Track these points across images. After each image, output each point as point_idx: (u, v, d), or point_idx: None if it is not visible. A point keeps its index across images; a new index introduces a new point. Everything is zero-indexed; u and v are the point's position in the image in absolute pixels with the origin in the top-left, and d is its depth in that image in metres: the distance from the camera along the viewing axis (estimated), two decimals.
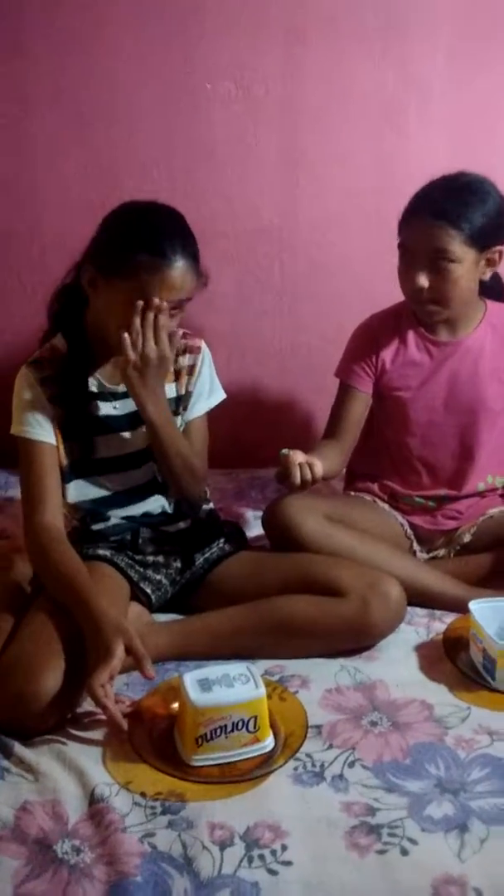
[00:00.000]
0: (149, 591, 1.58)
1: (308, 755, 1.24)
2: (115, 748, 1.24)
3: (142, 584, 1.57)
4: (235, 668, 1.27)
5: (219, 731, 1.20)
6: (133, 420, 1.57)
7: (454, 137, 2.25)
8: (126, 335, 1.43)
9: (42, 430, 1.51)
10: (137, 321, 1.42)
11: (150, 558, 1.62)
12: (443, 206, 1.57)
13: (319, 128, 2.25)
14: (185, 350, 1.62)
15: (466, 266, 1.60)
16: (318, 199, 2.29)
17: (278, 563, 1.60)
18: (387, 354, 1.74)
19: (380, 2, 2.16)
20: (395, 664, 1.47)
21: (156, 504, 1.64)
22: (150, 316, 1.42)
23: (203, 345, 1.65)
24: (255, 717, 1.21)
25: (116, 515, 1.61)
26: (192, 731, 1.20)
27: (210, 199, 2.25)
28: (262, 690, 1.23)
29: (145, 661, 1.31)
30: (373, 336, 1.76)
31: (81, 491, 1.59)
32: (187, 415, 1.63)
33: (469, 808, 1.13)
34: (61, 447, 1.53)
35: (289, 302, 2.37)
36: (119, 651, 1.28)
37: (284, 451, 1.50)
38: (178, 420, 1.61)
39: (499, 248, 1.63)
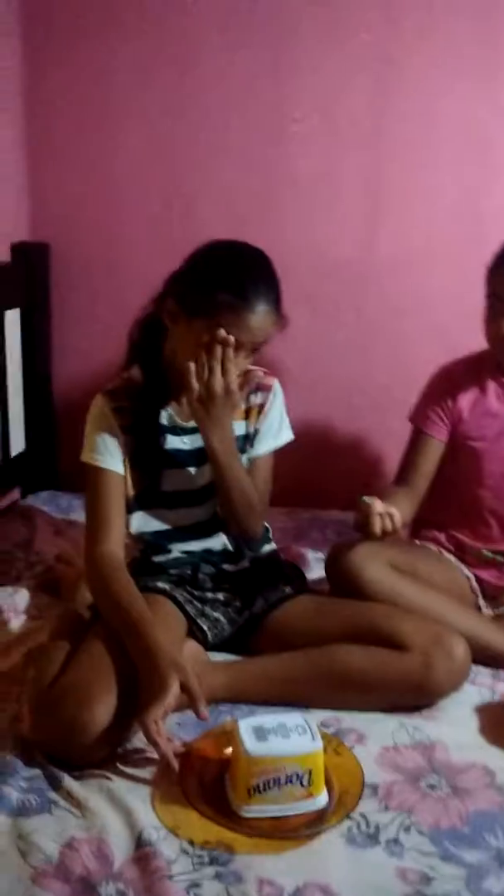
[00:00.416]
0: (206, 627, 1.56)
1: (363, 815, 1.19)
2: (164, 790, 1.22)
3: (199, 621, 1.55)
4: (293, 718, 1.24)
5: (272, 782, 1.17)
6: (200, 456, 1.56)
7: None
8: (191, 364, 1.43)
9: (112, 459, 1.51)
10: (204, 354, 1.42)
11: (209, 595, 1.60)
12: None
13: (405, 160, 2.23)
14: (258, 388, 1.62)
15: None
16: (398, 236, 2.27)
17: (339, 609, 1.56)
18: (465, 403, 1.71)
19: (476, 33, 2.12)
20: (457, 725, 1.41)
21: (217, 541, 1.63)
22: (218, 350, 1.42)
23: (276, 383, 1.65)
24: (310, 771, 1.18)
25: (177, 549, 1.61)
26: (244, 781, 1.17)
27: (290, 231, 2.24)
28: (320, 744, 1.19)
29: (200, 701, 1.28)
30: (452, 383, 1.73)
31: (145, 522, 1.58)
32: (253, 452, 1.62)
33: None
34: (129, 477, 1.54)
35: (362, 340, 2.34)
36: (175, 688, 1.26)
37: (365, 498, 1.48)
38: (244, 458, 1.60)
39: None
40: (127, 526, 1.56)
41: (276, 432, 1.65)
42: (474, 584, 1.72)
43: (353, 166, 2.24)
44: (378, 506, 1.46)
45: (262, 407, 1.62)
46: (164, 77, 2.22)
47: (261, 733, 1.20)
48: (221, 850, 1.11)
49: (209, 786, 1.23)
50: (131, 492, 1.55)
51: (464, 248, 2.15)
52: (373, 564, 1.57)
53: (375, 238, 2.27)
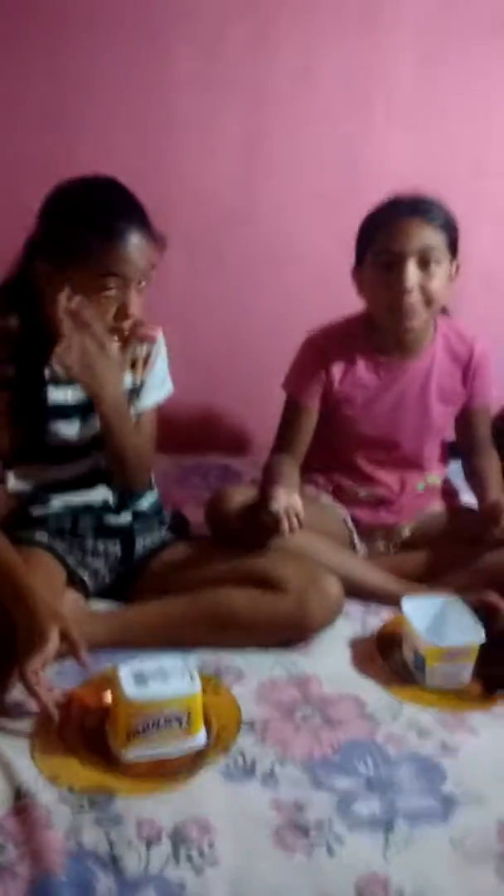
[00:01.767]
0: (86, 577, 1.56)
1: (240, 751, 1.24)
2: (44, 741, 1.22)
3: (79, 571, 1.55)
4: (171, 661, 1.26)
5: (151, 725, 1.19)
6: (84, 409, 1.53)
7: (417, 134, 2.25)
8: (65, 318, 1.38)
9: None
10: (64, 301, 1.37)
11: (90, 544, 1.59)
12: (427, 207, 1.62)
13: (284, 111, 2.21)
14: (142, 339, 1.57)
15: (444, 270, 1.64)
16: (279, 183, 2.25)
17: (218, 553, 1.58)
18: (336, 373, 1.74)
19: None
20: (330, 658, 1.48)
21: (98, 494, 1.61)
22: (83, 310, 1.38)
23: (160, 335, 1.61)
24: (189, 713, 1.21)
25: (57, 502, 1.58)
26: (125, 725, 1.19)
27: (169, 173, 2.18)
28: (198, 686, 1.22)
29: (81, 649, 1.29)
30: (323, 353, 1.75)
31: (24, 476, 1.55)
32: (139, 405, 1.60)
33: (395, 807, 1.14)
34: (4, 433, 1.49)
35: (243, 288, 2.33)
36: (54, 637, 1.26)
37: (273, 508, 1.50)
38: (132, 411, 1.57)
39: (457, 262, 1.67)
40: (3, 480, 1.52)
41: (160, 385, 1.62)
42: (349, 523, 1.78)
43: (233, 112, 2.19)
44: (282, 507, 1.50)
45: (146, 359, 1.59)
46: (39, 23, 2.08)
47: (140, 678, 1.21)
48: (101, 795, 1.13)
49: (90, 733, 1.25)
50: (7, 446, 1.50)
51: (342, 197, 2.17)
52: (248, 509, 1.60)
53: (255, 185, 2.25)
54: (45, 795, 1.12)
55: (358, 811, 1.14)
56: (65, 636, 1.28)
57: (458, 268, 1.68)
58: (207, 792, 1.16)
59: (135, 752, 1.19)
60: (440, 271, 1.62)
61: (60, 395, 1.52)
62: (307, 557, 1.57)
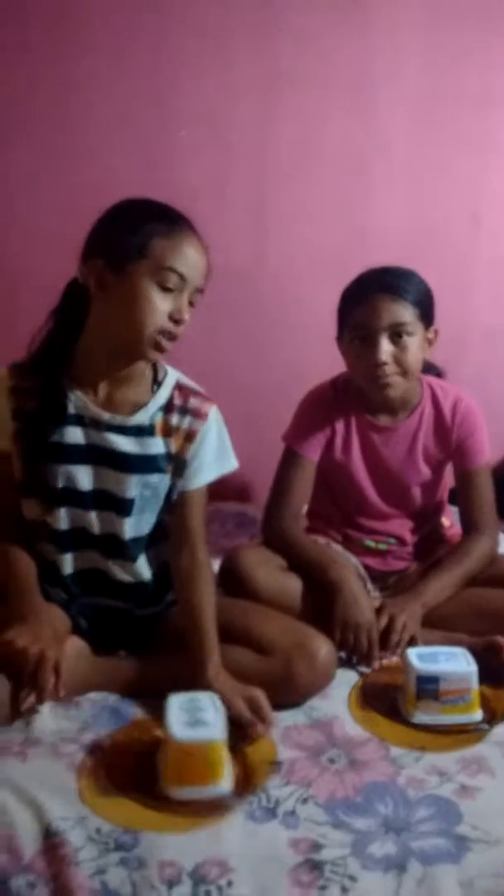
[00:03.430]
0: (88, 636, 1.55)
1: (264, 791, 1.28)
2: (86, 781, 1.28)
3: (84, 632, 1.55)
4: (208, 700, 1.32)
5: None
6: (96, 454, 1.45)
7: (414, 191, 2.35)
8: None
9: None
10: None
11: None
12: (396, 284, 1.67)
13: (288, 179, 2.33)
14: (188, 410, 1.49)
15: (418, 340, 1.69)
16: (285, 248, 2.35)
17: (219, 611, 1.52)
18: (337, 429, 1.80)
19: (350, 58, 2.25)
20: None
21: (119, 603, 1.57)
22: None
23: (212, 411, 1.51)
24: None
25: (73, 583, 1.54)
26: (172, 766, 1.25)
27: None
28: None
29: (62, 675, 1.32)
30: (326, 408, 1.81)
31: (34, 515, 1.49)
32: (187, 483, 1.51)
33: (409, 847, 1.17)
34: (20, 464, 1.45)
35: (257, 346, 2.43)
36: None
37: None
38: (164, 480, 1.49)
39: (434, 328, 1.73)
40: (21, 510, 1.49)
41: (213, 462, 1.52)
42: (361, 570, 1.83)
43: (240, 180, 2.32)
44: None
45: (191, 434, 1.49)
46: (53, 92, 2.24)
47: (189, 718, 1.27)
48: (132, 829, 1.18)
49: (129, 772, 1.30)
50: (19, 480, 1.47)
51: (345, 255, 2.20)
52: (262, 569, 1.67)
53: (262, 247, 2.36)
54: (74, 834, 1.17)
55: (373, 852, 1.16)
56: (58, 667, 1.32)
57: (436, 332, 1.73)
58: (228, 832, 1.19)
59: (182, 792, 1.25)
60: (413, 342, 1.67)
61: (78, 433, 1.45)
62: (317, 610, 1.60)
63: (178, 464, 1.50)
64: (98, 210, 2.21)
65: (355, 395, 1.80)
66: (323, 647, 1.48)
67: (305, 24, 2.23)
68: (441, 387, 1.82)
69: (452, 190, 2.37)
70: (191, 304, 1.39)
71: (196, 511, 1.53)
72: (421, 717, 1.45)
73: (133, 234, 1.34)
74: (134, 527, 1.50)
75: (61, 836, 1.16)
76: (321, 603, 1.67)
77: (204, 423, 1.50)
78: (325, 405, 1.81)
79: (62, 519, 1.49)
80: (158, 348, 1.39)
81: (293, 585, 1.70)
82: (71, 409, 1.44)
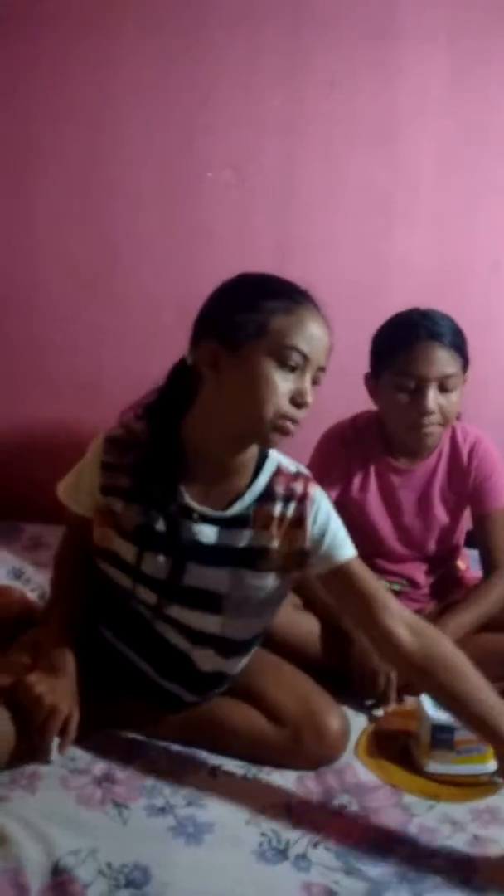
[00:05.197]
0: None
1: (274, 831, 1.26)
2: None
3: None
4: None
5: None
6: (223, 554, 1.35)
7: (437, 232, 2.36)
8: None
9: (79, 506, 1.42)
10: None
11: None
12: (444, 332, 1.66)
13: (310, 218, 2.34)
14: (289, 497, 1.36)
15: (460, 390, 1.69)
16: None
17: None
18: (354, 469, 1.80)
19: (376, 102, 2.27)
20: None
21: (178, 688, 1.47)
22: None
23: (315, 492, 1.37)
24: None
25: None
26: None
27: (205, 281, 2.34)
28: None
29: (73, 723, 1.32)
30: (346, 448, 1.80)
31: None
32: (322, 566, 1.38)
33: None
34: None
35: None
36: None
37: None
38: (262, 578, 1.38)
39: (466, 373, 1.72)
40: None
41: (342, 543, 1.39)
42: None
43: (264, 221, 2.33)
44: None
45: (299, 521, 1.35)
46: (84, 127, 2.27)
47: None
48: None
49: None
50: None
51: (367, 298, 2.25)
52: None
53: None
54: (83, 870, 1.14)
55: None
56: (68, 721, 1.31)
57: (466, 377, 1.72)
58: (238, 870, 1.17)
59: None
60: (457, 393, 1.68)
61: (197, 530, 1.35)
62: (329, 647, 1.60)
63: (290, 556, 1.37)
64: (120, 245, 2.32)
65: (377, 436, 1.80)
66: (334, 723, 1.44)
67: (332, 64, 2.26)
68: (462, 428, 1.82)
69: (475, 233, 2.38)
70: (314, 382, 1.29)
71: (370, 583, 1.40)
72: (435, 766, 1.43)
73: (252, 312, 1.25)
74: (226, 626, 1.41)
75: (70, 872, 1.14)
76: (335, 643, 1.66)
77: (308, 504, 1.36)
78: (344, 444, 1.81)
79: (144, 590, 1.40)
80: (282, 431, 1.26)
81: (307, 625, 1.68)
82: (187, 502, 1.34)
